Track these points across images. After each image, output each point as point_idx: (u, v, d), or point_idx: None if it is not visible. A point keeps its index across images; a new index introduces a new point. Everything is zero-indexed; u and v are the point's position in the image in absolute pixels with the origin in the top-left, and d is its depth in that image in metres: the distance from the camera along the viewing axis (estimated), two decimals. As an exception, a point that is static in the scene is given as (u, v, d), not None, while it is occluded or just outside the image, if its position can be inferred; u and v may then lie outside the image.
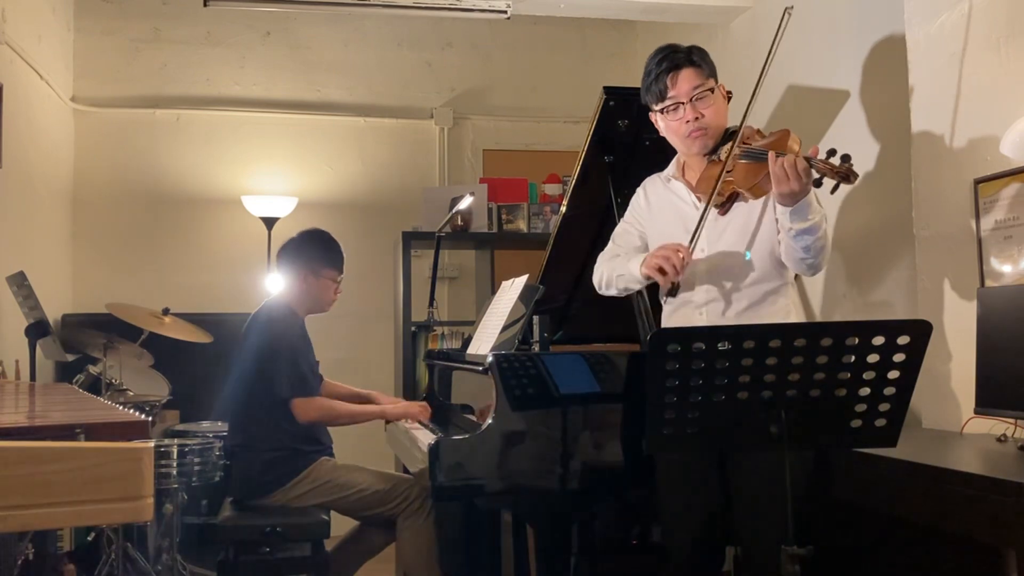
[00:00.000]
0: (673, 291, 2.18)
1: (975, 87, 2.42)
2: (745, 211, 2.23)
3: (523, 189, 4.60)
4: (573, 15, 4.56)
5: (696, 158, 2.31)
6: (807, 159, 1.95)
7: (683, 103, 2.23)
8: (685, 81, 2.22)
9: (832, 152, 1.94)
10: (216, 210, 5.13)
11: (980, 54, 2.41)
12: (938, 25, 2.55)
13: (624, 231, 2.51)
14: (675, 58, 2.24)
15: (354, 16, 5.27)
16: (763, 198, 2.18)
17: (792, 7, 2.18)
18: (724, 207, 2.23)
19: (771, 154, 2.00)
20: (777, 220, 2.17)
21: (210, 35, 5.19)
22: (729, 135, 2.27)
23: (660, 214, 2.39)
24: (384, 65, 5.39)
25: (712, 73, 2.27)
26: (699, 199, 2.27)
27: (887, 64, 2.95)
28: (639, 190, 2.50)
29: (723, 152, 2.21)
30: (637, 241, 2.48)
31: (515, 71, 5.54)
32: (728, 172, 2.17)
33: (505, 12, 3.93)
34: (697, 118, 2.22)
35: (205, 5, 3.95)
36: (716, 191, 2.17)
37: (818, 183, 1.96)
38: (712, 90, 2.24)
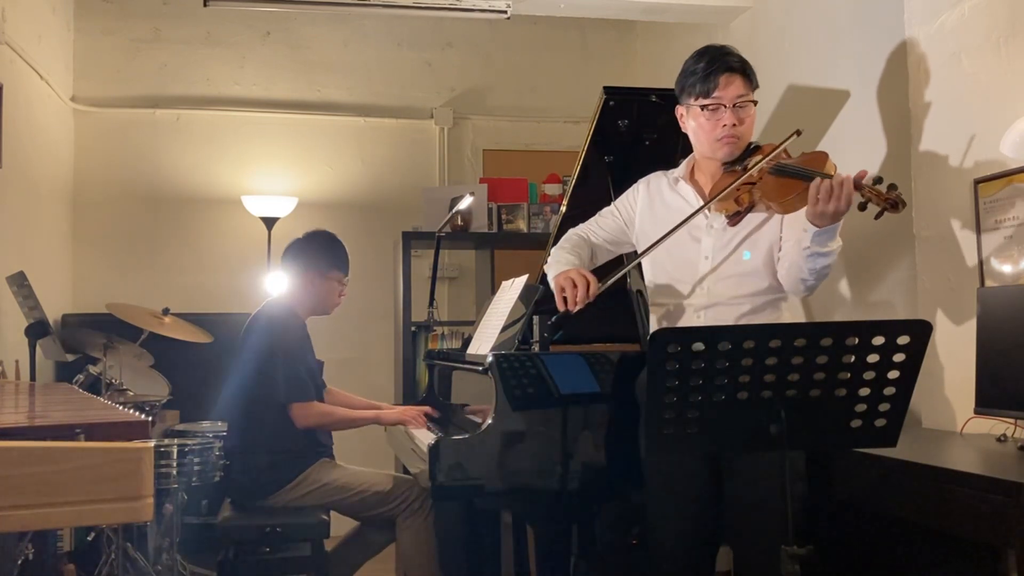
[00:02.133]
0: (563, 316, 2.22)
1: (975, 87, 2.42)
2: (754, 223, 2.21)
3: (523, 189, 4.60)
4: (573, 15, 4.56)
5: (713, 163, 2.27)
6: (856, 183, 1.94)
7: (725, 106, 2.19)
8: (735, 87, 2.19)
9: (879, 179, 1.92)
10: (216, 210, 5.13)
11: (980, 54, 2.41)
12: (938, 25, 2.55)
13: (609, 214, 2.50)
14: (730, 61, 2.21)
15: (354, 16, 5.27)
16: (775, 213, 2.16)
17: (802, 131, 2.16)
18: (735, 218, 2.19)
19: (826, 182, 1.97)
20: (782, 236, 2.17)
21: (210, 35, 5.20)
22: (751, 149, 2.24)
23: (662, 215, 2.36)
24: (384, 65, 5.39)
25: (756, 87, 2.25)
26: (710, 208, 2.24)
27: (887, 64, 2.95)
28: (640, 183, 2.46)
29: (748, 162, 2.19)
30: (611, 228, 2.48)
31: (515, 71, 5.54)
32: (751, 184, 2.14)
33: (505, 12, 3.93)
34: (735, 124, 2.20)
35: (205, 5, 3.95)
36: (731, 198, 2.15)
37: (862, 207, 1.94)
38: (754, 103, 2.23)
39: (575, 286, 2.21)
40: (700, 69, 2.21)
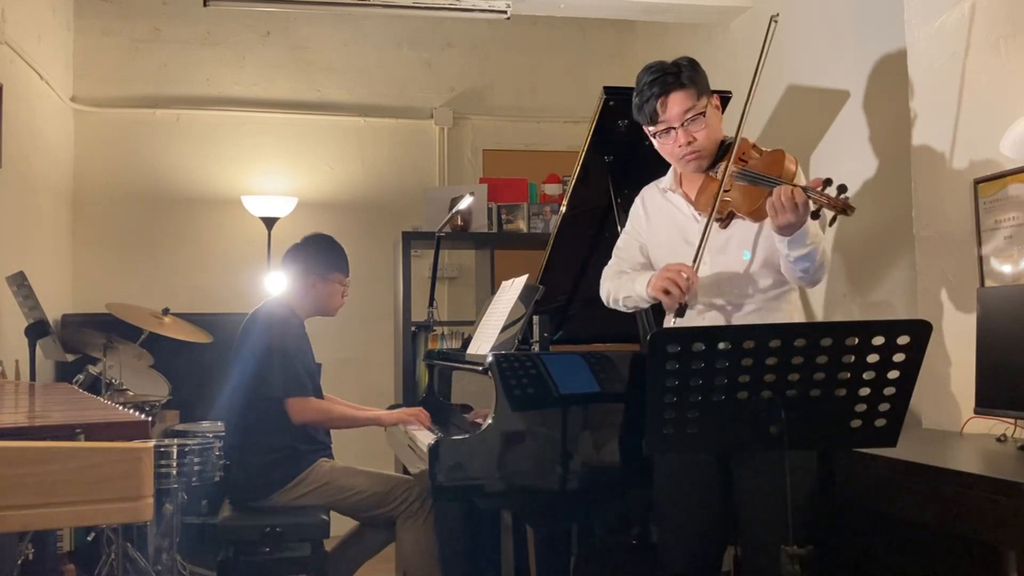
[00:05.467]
0: (681, 311, 2.12)
1: (975, 87, 2.42)
2: (747, 224, 2.21)
3: (523, 189, 4.60)
4: (573, 15, 4.56)
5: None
6: (804, 191, 1.94)
7: (675, 127, 2.19)
8: (675, 105, 2.16)
9: (828, 182, 1.93)
10: (216, 210, 5.13)
11: (980, 54, 2.41)
12: (938, 25, 2.55)
13: (627, 245, 2.48)
14: (665, 81, 2.17)
15: (354, 16, 5.27)
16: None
17: (778, 14, 2.12)
18: (724, 222, 2.21)
19: (775, 190, 1.98)
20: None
21: (210, 35, 5.20)
22: (726, 147, 2.24)
23: (659, 226, 2.37)
24: (384, 65, 5.39)
25: (704, 90, 2.20)
26: (699, 213, 2.25)
27: (887, 64, 2.95)
28: (637, 200, 2.46)
29: (719, 170, 2.19)
30: (640, 256, 2.43)
31: (515, 71, 5.54)
32: (726, 191, 2.15)
33: (505, 12, 3.93)
34: (690, 142, 2.19)
35: (205, 5, 3.95)
36: (715, 208, 2.15)
37: (816, 215, 1.96)
38: (703, 113, 2.19)
39: (673, 279, 2.10)
40: (643, 95, 2.19)
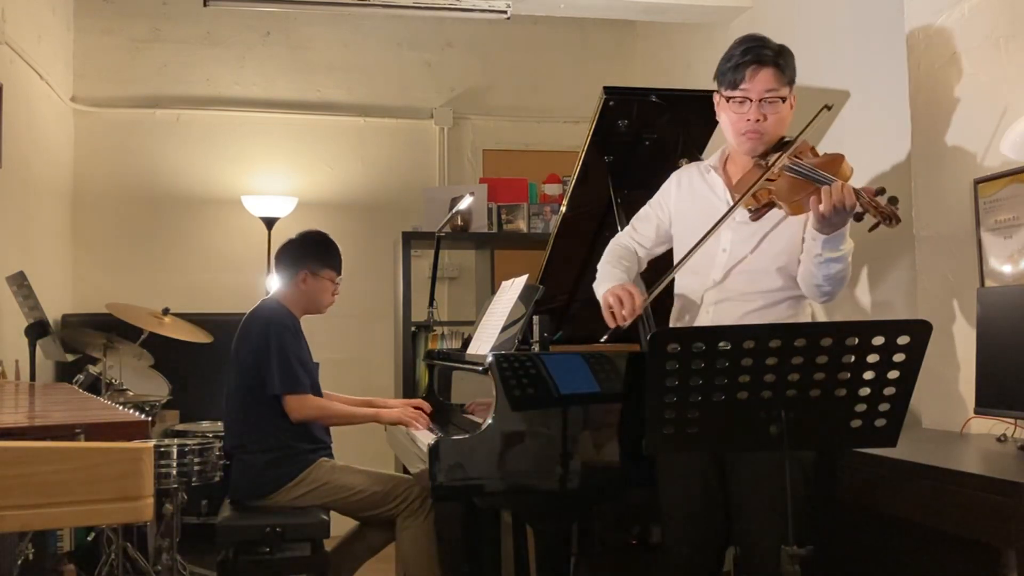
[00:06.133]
0: (614, 333, 2.24)
1: (975, 87, 2.42)
2: (777, 220, 2.19)
3: (523, 189, 4.60)
4: (573, 15, 4.56)
5: (742, 156, 2.27)
6: (856, 192, 1.93)
7: (751, 100, 2.17)
8: (763, 81, 2.16)
9: (881, 191, 1.93)
10: (216, 210, 5.13)
11: (980, 53, 2.41)
12: (938, 25, 2.55)
13: (645, 217, 2.50)
14: (762, 54, 2.17)
15: (354, 16, 5.27)
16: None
17: (832, 105, 2.16)
18: (757, 213, 2.17)
19: (825, 187, 1.98)
20: (804, 241, 2.15)
21: (210, 35, 5.20)
22: (781, 145, 2.22)
23: (689, 204, 2.36)
24: (384, 65, 5.39)
25: (790, 81, 2.20)
26: (734, 199, 2.23)
27: (887, 64, 2.94)
28: (672, 177, 2.46)
29: (771, 159, 2.18)
30: (652, 234, 2.47)
31: (515, 71, 5.53)
32: (771, 181, 2.14)
33: (505, 12, 3.93)
34: (758, 120, 2.17)
35: (205, 5, 3.95)
36: (752, 193, 2.14)
37: (859, 218, 1.95)
38: (784, 99, 2.19)
39: (621, 302, 2.23)
40: (733, 58, 2.19)
